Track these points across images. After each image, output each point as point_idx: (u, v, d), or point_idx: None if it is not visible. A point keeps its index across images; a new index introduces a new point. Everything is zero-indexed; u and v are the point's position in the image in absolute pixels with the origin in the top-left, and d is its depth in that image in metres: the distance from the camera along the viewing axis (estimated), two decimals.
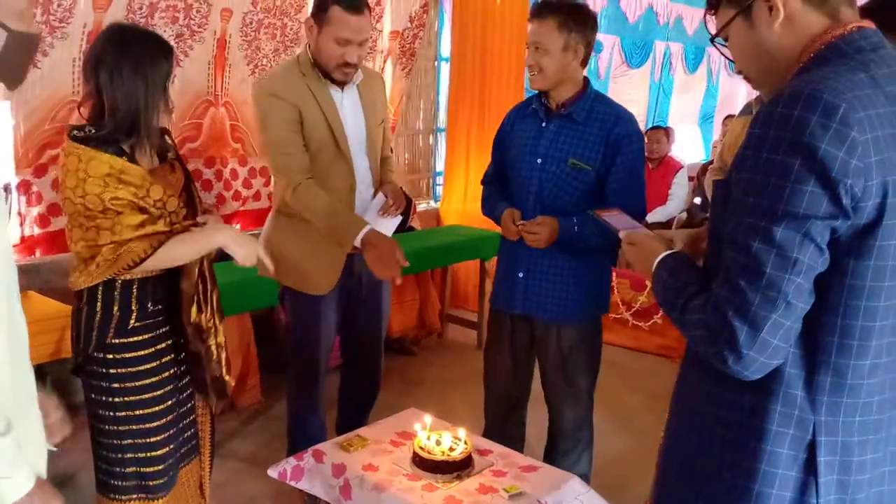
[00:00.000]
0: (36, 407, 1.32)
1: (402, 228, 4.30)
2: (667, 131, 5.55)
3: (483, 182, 2.52)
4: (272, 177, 2.46)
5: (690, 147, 7.96)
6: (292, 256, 2.35)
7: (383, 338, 2.65)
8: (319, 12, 2.19)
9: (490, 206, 2.41)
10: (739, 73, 1.19)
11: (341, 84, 2.29)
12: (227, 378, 2.01)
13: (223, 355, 1.98)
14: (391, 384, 3.55)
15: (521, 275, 2.29)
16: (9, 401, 1.17)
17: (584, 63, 2.21)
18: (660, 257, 1.23)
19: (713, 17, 1.19)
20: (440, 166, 5.30)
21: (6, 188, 1.31)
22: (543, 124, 2.23)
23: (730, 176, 1.07)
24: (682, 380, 1.23)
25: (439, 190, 5.31)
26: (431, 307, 4.24)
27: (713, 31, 1.18)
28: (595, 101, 2.22)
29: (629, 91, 7.04)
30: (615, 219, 1.52)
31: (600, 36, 6.14)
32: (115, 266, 1.72)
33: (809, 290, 1.00)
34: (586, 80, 2.25)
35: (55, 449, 1.40)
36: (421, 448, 1.95)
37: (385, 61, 4.65)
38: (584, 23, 2.15)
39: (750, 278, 0.99)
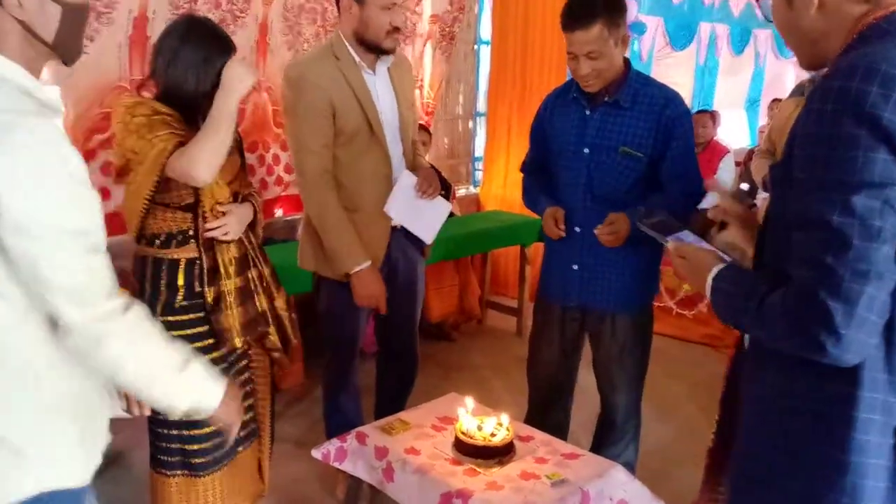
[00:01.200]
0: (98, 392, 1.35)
1: None
2: (712, 115, 5.42)
3: (523, 170, 2.47)
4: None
5: (737, 132, 7.76)
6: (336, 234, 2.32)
7: (418, 323, 2.63)
8: None
9: (532, 199, 2.37)
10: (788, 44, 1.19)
11: (382, 55, 2.25)
12: (293, 339, 2.07)
13: (287, 319, 2.03)
14: (430, 370, 3.56)
15: (575, 267, 2.24)
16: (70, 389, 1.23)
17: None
18: (714, 271, 1.19)
19: None
20: (480, 151, 5.27)
21: None
22: (588, 112, 2.17)
23: (786, 157, 1.05)
24: (750, 379, 1.18)
25: (479, 175, 5.28)
26: (471, 293, 4.23)
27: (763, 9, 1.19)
28: (639, 83, 2.15)
29: (673, 74, 6.87)
30: (659, 225, 1.50)
31: (643, 17, 6.01)
32: (149, 174, 1.70)
33: (895, 258, 0.96)
34: (626, 61, 2.17)
35: (127, 415, 1.46)
36: (463, 433, 1.95)
37: (425, 45, 4.62)
38: (622, 9, 2.09)
39: (836, 253, 0.95)
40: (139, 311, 1.22)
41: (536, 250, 4.12)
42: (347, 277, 2.28)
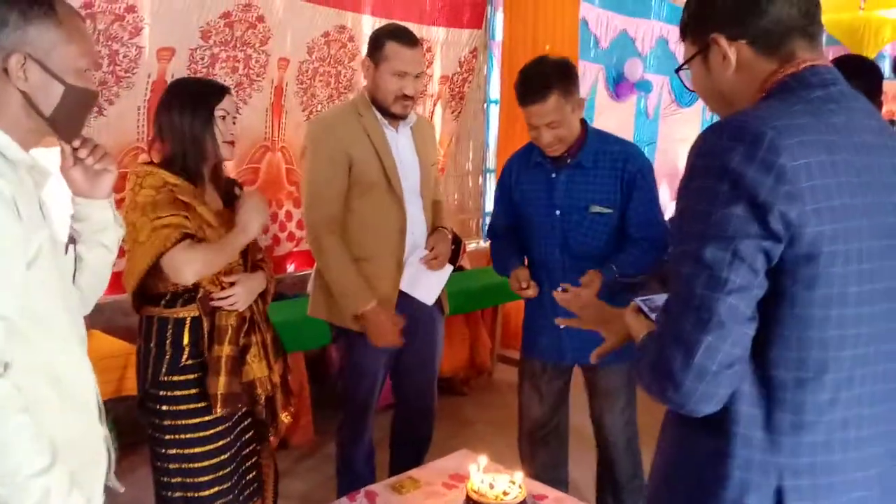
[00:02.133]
0: (102, 445, 1.35)
1: (453, 269, 4.31)
2: None
3: (491, 235, 2.50)
4: None
5: None
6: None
7: (436, 378, 2.62)
8: (375, 50, 2.25)
9: (501, 264, 2.40)
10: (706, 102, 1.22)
11: (398, 119, 2.32)
12: (281, 417, 2.03)
13: (277, 394, 2.00)
14: (441, 424, 3.51)
15: (562, 326, 2.22)
16: (64, 436, 1.20)
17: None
18: (643, 335, 1.17)
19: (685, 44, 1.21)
20: (489, 206, 5.33)
21: (70, 241, 1.38)
22: (553, 175, 2.23)
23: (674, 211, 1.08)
24: (663, 425, 1.19)
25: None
26: (482, 347, 4.22)
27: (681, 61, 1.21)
28: (599, 141, 2.23)
29: (680, 130, 6.99)
30: (640, 285, 1.50)
31: (649, 75, 6.15)
32: (144, 255, 1.73)
33: (747, 313, 0.96)
34: (583, 122, 2.25)
35: (121, 490, 1.43)
36: (474, 491, 1.92)
37: (435, 105, 4.74)
38: (573, 77, 2.17)
39: (682, 303, 0.98)
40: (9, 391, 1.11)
41: (523, 310, 4.12)
42: (358, 322, 2.27)
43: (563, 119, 2.12)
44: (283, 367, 2.03)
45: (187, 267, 1.75)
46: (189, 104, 1.81)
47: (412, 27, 2.52)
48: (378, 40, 2.25)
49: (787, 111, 0.99)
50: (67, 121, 1.23)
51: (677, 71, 1.20)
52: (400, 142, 2.35)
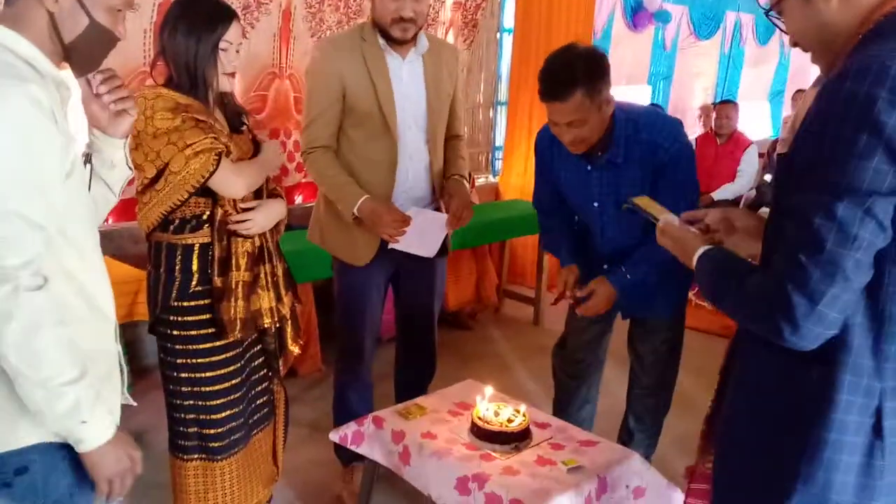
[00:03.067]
0: (116, 359, 1.38)
1: None
2: (735, 106, 5.35)
3: (536, 208, 2.44)
4: None
5: (760, 123, 7.66)
6: (336, 225, 2.33)
7: (436, 313, 2.60)
8: None
9: (553, 246, 2.38)
10: (795, 45, 1.17)
11: (402, 44, 2.21)
12: (291, 348, 2.05)
13: (287, 326, 2.02)
14: (447, 358, 3.57)
15: (605, 267, 2.26)
16: (88, 347, 1.23)
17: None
18: (700, 251, 1.25)
19: None
20: (500, 140, 5.25)
21: (87, 156, 1.37)
22: (588, 168, 2.14)
23: (793, 151, 1.07)
24: (741, 355, 1.25)
25: (499, 164, 5.27)
26: (489, 282, 4.23)
27: (768, 3, 1.17)
28: (629, 132, 2.06)
29: (697, 63, 6.81)
30: (650, 205, 1.50)
31: (668, 6, 5.95)
32: (184, 183, 1.73)
33: (869, 264, 1.01)
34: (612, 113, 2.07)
35: (134, 404, 1.47)
36: (479, 418, 1.95)
37: (447, 33, 4.61)
38: (603, 73, 1.97)
39: (810, 253, 1.00)
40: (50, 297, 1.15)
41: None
42: (357, 221, 2.23)
43: (588, 119, 1.96)
44: (292, 299, 2.04)
45: (238, 180, 1.81)
46: (195, 29, 1.75)
47: None
48: None
49: None
50: (84, 55, 1.24)
51: (767, 13, 1.16)
52: (405, 71, 2.25)
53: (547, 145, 2.21)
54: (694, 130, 6.45)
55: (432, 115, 2.30)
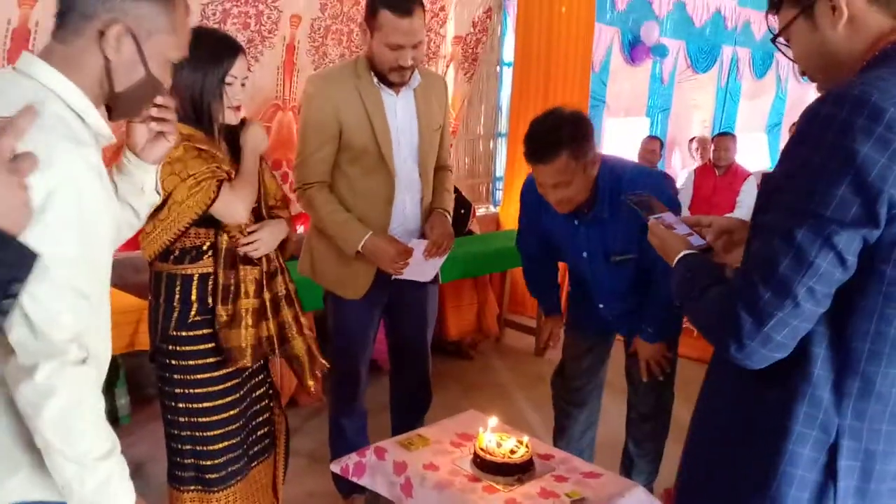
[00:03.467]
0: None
1: (461, 233, 4.32)
2: (733, 137, 5.41)
3: (522, 253, 2.46)
4: None
5: (758, 155, 7.73)
6: (330, 259, 2.33)
7: (429, 342, 2.58)
8: (370, 16, 2.11)
9: (537, 293, 2.44)
10: (804, 73, 1.16)
11: (397, 87, 2.21)
12: (308, 382, 2.05)
13: (311, 345, 2.03)
14: (448, 387, 3.56)
15: (601, 306, 2.32)
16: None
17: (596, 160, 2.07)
18: (680, 254, 1.25)
19: (775, 16, 1.16)
20: (500, 171, 5.30)
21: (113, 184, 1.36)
22: (575, 222, 2.17)
23: (774, 171, 1.06)
24: (709, 374, 1.24)
25: (499, 195, 5.31)
26: (489, 311, 4.23)
27: (776, 31, 1.16)
28: (611, 186, 2.08)
29: (694, 96, 6.90)
30: (644, 204, 1.51)
31: (665, 40, 6.05)
32: (187, 212, 1.74)
33: (825, 294, 0.98)
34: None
35: None
36: (482, 449, 1.94)
37: (448, 66, 4.68)
38: (587, 134, 2.01)
39: (763, 274, 0.99)
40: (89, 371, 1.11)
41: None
42: (358, 256, 2.25)
43: (572, 180, 2.00)
44: (307, 322, 2.05)
45: (239, 205, 1.80)
46: (201, 64, 1.77)
47: None
48: (373, 5, 2.09)
49: None
50: (129, 104, 1.19)
51: (774, 39, 1.15)
52: (399, 106, 2.25)
53: (535, 198, 2.21)
54: (689, 163, 6.51)
55: (424, 147, 2.31)
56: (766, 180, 1.08)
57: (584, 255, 2.23)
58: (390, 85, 2.21)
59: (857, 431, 1.03)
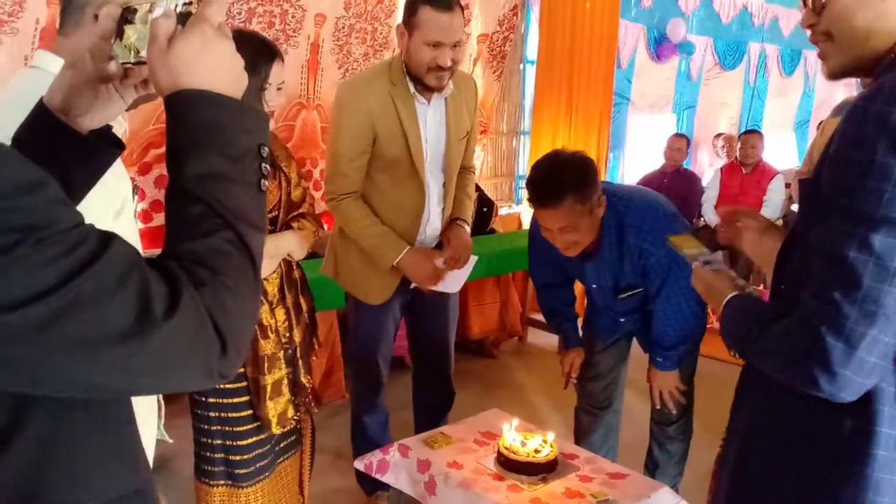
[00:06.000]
0: (155, 397, 1.38)
1: (484, 232, 4.30)
2: (760, 135, 5.33)
3: (536, 285, 2.49)
4: None
5: (785, 153, 7.62)
6: (353, 264, 2.33)
7: (452, 342, 2.58)
8: (409, 16, 2.08)
9: (556, 326, 2.45)
10: (826, 34, 1.07)
11: (434, 90, 2.16)
12: (303, 381, 2.04)
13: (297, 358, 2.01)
14: (471, 386, 3.55)
15: (622, 320, 2.35)
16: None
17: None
18: (727, 298, 1.18)
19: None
20: (523, 169, 5.27)
21: (134, 188, 1.37)
22: (580, 260, 2.17)
23: (816, 175, 1.00)
24: (751, 396, 1.15)
25: (522, 193, 5.29)
26: (512, 310, 4.22)
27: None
28: (616, 228, 2.07)
29: (722, 93, 6.81)
30: (687, 243, 1.49)
31: (692, 37, 5.98)
32: None
33: None
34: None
35: (170, 440, 1.46)
36: (506, 448, 1.93)
37: (474, 65, 4.67)
38: (591, 177, 1.98)
39: (845, 290, 0.91)
40: None
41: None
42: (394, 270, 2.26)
43: (579, 224, 1.98)
44: (304, 332, 2.03)
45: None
46: (251, 64, 1.78)
47: None
48: (412, 5, 2.07)
49: None
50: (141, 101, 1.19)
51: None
52: (429, 115, 2.22)
53: (542, 233, 2.17)
54: (715, 160, 6.44)
55: (451, 157, 2.28)
56: (809, 189, 1.02)
57: (594, 286, 2.26)
58: (425, 89, 2.16)
59: None
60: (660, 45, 5.79)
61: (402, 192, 2.24)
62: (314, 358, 2.12)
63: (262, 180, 0.73)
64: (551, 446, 1.96)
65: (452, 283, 2.35)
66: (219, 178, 0.70)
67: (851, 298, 0.91)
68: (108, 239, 0.62)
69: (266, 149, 0.75)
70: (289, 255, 1.93)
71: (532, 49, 5.02)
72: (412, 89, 2.16)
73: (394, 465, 2.06)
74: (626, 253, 2.08)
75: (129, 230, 1.25)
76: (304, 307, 2.04)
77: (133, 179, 3.27)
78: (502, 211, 5.01)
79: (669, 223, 2.05)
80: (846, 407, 0.98)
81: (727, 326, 1.16)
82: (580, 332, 2.47)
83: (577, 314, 2.49)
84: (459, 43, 2.10)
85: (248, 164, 0.73)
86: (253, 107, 0.79)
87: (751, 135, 5.30)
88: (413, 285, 2.32)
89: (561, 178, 1.94)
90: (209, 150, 0.70)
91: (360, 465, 2.11)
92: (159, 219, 3.33)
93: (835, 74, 1.07)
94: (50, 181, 0.61)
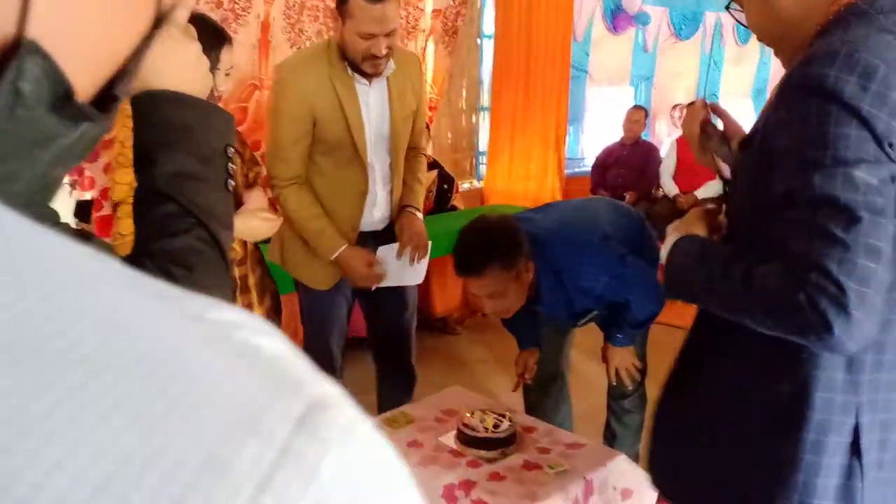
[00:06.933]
0: None
1: (444, 209, 4.29)
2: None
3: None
4: None
5: (744, 121, 7.68)
6: (299, 250, 2.30)
7: (410, 326, 2.55)
8: (340, 3, 2.00)
9: (510, 327, 2.40)
10: (761, 39, 1.13)
11: (370, 77, 2.11)
12: None
13: None
14: (435, 363, 3.57)
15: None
16: None
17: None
18: (671, 240, 1.12)
19: None
20: (483, 145, 5.26)
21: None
22: (528, 305, 2.13)
23: (757, 145, 1.00)
24: (701, 370, 1.16)
25: (483, 169, 5.28)
26: None
27: None
28: (555, 276, 2.06)
29: (678, 63, 6.85)
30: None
31: (648, 8, 5.99)
32: None
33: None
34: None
35: None
36: (465, 425, 1.95)
37: (427, 40, 4.62)
38: (517, 243, 1.96)
39: (846, 226, 0.86)
40: None
41: None
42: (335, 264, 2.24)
43: (506, 290, 1.97)
44: (266, 307, 2.03)
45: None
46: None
47: None
48: None
49: (884, 41, 0.92)
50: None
51: (728, 6, 1.13)
52: (372, 96, 2.16)
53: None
54: (674, 131, 6.50)
55: (396, 137, 2.24)
56: (751, 157, 1.01)
57: (552, 318, 2.27)
58: (364, 74, 2.11)
59: (873, 405, 1.00)
60: (616, 16, 5.79)
61: (346, 175, 2.19)
62: None
63: (229, 180, 0.75)
64: (510, 420, 1.98)
65: (414, 275, 2.34)
66: (189, 178, 0.71)
67: (855, 233, 0.86)
68: (85, 239, 0.63)
69: (232, 149, 0.77)
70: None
71: (488, 24, 4.99)
72: (350, 71, 2.11)
73: None
74: (572, 292, 2.08)
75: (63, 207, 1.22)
76: (269, 288, 2.02)
77: (81, 168, 3.18)
78: (463, 187, 5.00)
79: (600, 250, 2.06)
80: (784, 371, 1.00)
81: (673, 270, 1.12)
82: (537, 339, 2.45)
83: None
84: (393, 31, 2.03)
85: (216, 164, 0.74)
86: (219, 107, 0.81)
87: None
88: (374, 287, 2.29)
89: (485, 247, 1.93)
90: (178, 150, 0.72)
91: None
92: (108, 207, 3.25)
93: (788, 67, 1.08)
94: None
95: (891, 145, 0.89)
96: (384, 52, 2.03)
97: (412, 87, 2.27)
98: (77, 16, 0.44)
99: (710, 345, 1.14)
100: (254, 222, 1.83)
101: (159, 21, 0.54)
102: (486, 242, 1.94)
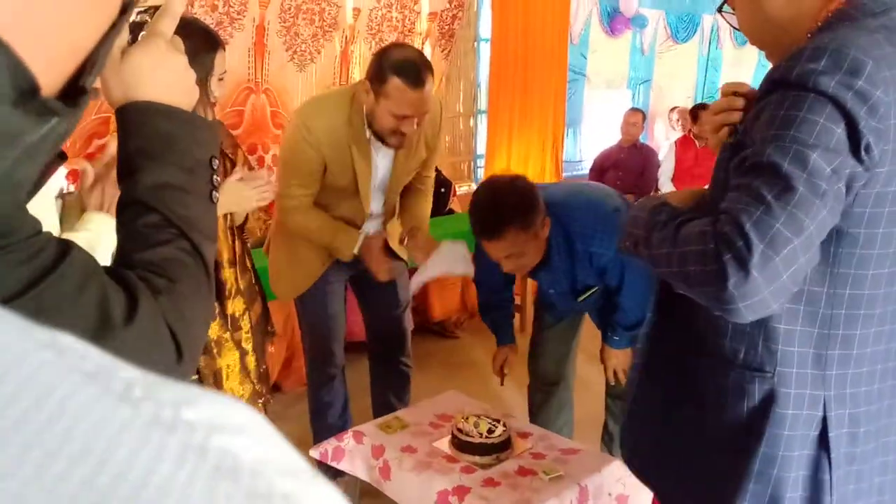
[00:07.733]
0: None
1: (442, 212, 4.29)
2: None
3: (478, 286, 2.50)
4: None
5: None
6: (277, 258, 2.37)
7: (404, 323, 2.56)
8: (377, 81, 1.96)
9: (490, 323, 2.44)
10: (753, 43, 1.14)
11: (391, 147, 2.13)
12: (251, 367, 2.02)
13: (248, 346, 1.99)
14: (433, 367, 3.56)
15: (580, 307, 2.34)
16: None
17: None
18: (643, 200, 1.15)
19: None
20: (481, 149, 5.25)
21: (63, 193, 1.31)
22: (532, 272, 2.17)
23: (739, 139, 1.00)
24: (674, 367, 1.17)
25: (480, 172, 5.27)
26: (473, 290, 4.21)
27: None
28: (565, 240, 2.06)
29: (676, 66, 6.85)
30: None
31: (644, 10, 5.99)
32: None
33: (823, 236, 0.91)
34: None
35: None
36: (459, 430, 1.94)
37: (423, 44, 4.62)
38: (532, 208, 1.95)
39: (778, 193, 0.87)
40: None
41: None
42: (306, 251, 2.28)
43: (525, 250, 1.98)
44: (258, 313, 2.01)
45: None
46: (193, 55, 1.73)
47: None
48: (381, 71, 1.95)
49: (872, 40, 0.92)
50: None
51: (719, 9, 1.13)
52: (381, 153, 2.18)
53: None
54: (672, 134, 6.49)
55: (395, 184, 2.28)
56: (731, 149, 1.01)
57: (552, 291, 2.25)
58: (385, 143, 2.11)
59: (841, 399, 1.02)
60: (613, 20, 5.79)
61: (343, 207, 2.24)
62: (271, 346, 2.10)
63: (214, 192, 0.75)
64: (504, 426, 1.97)
65: (466, 265, 2.38)
66: (173, 189, 0.71)
67: (784, 202, 0.86)
68: (66, 247, 0.62)
69: (217, 161, 0.77)
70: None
71: (485, 27, 4.98)
72: (368, 134, 2.10)
73: (349, 452, 2.05)
74: (578, 259, 2.08)
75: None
76: (258, 290, 2.01)
77: (77, 172, 3.17)
78: (461, 191, 4.99)
79: (612, 219, 2.05)
80: (753, 370, 1.02)
81: (632, 217, 1.12)
82: (514, 335, 2.51)
83: (514, 313, 2.53)
84: (424, 114, 2.02)
85: (200, 176, 0.74)
86: (204, 119, 0.81)
87: (701, 110, 5.35)
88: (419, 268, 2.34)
89: (502, 209, 1.91)
90: (163, 161, 0.71)
91: (315, 453, 2.09)
92: None
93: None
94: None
95: (867, 148, 0.89)
96: (410, 130, 2.02)
97: (426, 140, 2.27)
98: (38, 7, 0.42)
99: (686, 344, 1.15)
100: (244, 191, 1.78)
101: (125, 8, 0.53)
102: (502, 205, 1.91)
